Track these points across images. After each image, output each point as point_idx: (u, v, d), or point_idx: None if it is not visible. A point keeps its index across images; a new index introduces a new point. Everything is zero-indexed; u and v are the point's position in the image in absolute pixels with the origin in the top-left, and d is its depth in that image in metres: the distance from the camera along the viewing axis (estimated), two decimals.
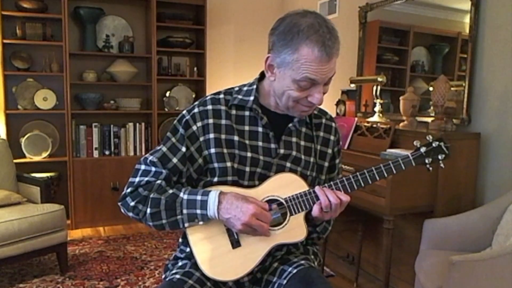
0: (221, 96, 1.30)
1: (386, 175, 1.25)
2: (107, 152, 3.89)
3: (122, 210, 1.26)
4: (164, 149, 1.26)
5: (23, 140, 3.59)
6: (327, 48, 1.13)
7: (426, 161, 1.28)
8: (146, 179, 1.23)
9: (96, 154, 3.84)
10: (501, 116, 2.35)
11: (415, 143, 1.28)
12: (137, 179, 1.24)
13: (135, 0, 4.00)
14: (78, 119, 3.81)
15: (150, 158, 1.25)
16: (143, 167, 1.26)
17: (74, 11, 3.76)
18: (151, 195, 1.21)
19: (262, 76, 1.32)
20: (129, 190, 1.24)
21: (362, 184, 1.25)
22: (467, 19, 2.50)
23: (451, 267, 1.66)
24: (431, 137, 1.29)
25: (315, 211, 1.21)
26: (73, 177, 3.70)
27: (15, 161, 3.15)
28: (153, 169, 1.24)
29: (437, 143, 1.28)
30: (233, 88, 1.33)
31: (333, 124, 1.40)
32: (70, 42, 3.68)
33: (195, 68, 4.21)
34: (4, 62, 3.53)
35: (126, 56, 3.94)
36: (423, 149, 1.27)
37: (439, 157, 1.28)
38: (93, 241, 3.46)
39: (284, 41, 1.15)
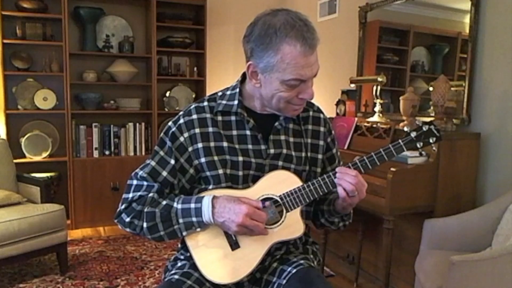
0: (205, 103, 1.29)
1: (378, 163, 1.24)
2: (107, 152, 3.89)
3: (120, 227, 1.27)
4: (153, 163, 1.26)
5: (23, 140, 3.59)
6: (308, 40, 1.13)
7: (418, 145, 1.26)
8: (138, 193, 1.23)
9: (96, 154, 3.84)
10: (501, 116, 2.35)
11: (405, 128, 1.28)
12: (130, 195, 1.24)
13: (135, 0, 4.00)
14: (78, 119, 3.81)
15: (140, 173, 1.25)
16: (135, 182, 1.26)
17: (74, 11, 3.76)
18: (145, 209, 1.21)
19: (243, 78, 1.31)
20: (123, 206, 1.24)
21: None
22: (467, 19, 2.50)
23: (451, 267, 1.66)
24: (421, 122, 1.28)
25: (341, 193, 1.19)
26: (73, 177, 3.70)
27: (15, 161, 3.16)
28: (145, 183, 1.24)
29: (427, 126, 1.27)
30: (216, 93, 1.33)
31: (321, 115, 1.39)
32: (70, 42, 3.68)
33: (195, 68, 4.21)
34: (4, 62, 3.53)
35: (126, 56, 3.94)
36: (413, 134, 1.26)
37: (430, 140, 1.27)
38: (93, 241, 3.46)
39: (263, 45, 1.14)
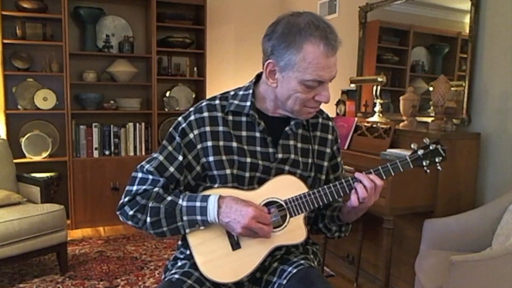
0: (217, 102, 1.28)
1: (384, 177, 1.25)
2: (107, 152, 3.89)
3: (121, 219, 1.25)
4: (161, 158, 1.24)
5: (23, 140, 3.59)
6: (331, 41, 1.13)
7: (424, 163, 1.28)
8: (143, 187, 1.22)
9: (96, 154, 3.84)
10: (501, 116, 2.35)
11: (412, 145, 1.29)
12: (134, 188, 1.23)
13: (135, 0, 4.00)
14: (78, 119, 3.81)
15: (147, 166, 1.24)
16: (140, 175, 1.25)
17: (74, 11, 3.76)
18: (150, 204, 1.20)
19: (257, 79, 1.31)
20: (127, 199, 1.23)
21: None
22: (467, 19, 2.50)
23: (451, 267, 1.66)
24: (428, 140, 1.29)
25: (353, 200, 1.20)
26: (73, 177, 3.70)
27: (15, 161, 3.15)
28: (150, 177, 1.23)
29: (434, 146, 1.28)
30: (228, 92, 1.32)
31: (330, 123, 1.39)
32: (70, 42, 3.67)
33: (195, 68, 4.21)
34: (4, 62, 3.53)
35: (126, 56, 3.94)
36: (420, 152, 1.27)
37: (436, 159, 1.28)
38: (93, 241, 3.46)
39: (286, 42, 1.14)
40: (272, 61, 1.18)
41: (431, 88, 2.50)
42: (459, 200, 2.38)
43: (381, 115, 2.88)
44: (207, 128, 1.25)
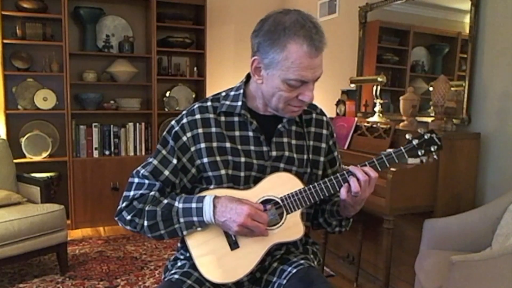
0: (209, 103, 1.29)
1: (380, 169, 1.24)
2: (107, 152, 3.89)
3: (120, 224, 1.27)
4: (155, 162, 1.25)
5: (23, 140, 3.59)
6: (316, 41, 1.12)
7: (419, 153, 1.27)
8: (140, 192, 1.23)
9: (96, 154, 3.84)
10: (501, 116, 2.35)
11: (407, 136, 1.28)
12: (131, 193, 1.24)
13: (135, 0, 4.00)
14: (78, 119, 3.81)
15: (142, 171, 1.25)
16: (136, 180, 1.26)
17: (74, 11, 3.76)
18: (147, 208, 1.21)
19: (247, 78, 1.31)
20: (124, 204, 1.24)
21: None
22: (467, 19, 2.50)
23: (451, 267, 1.66)
24: (422, 130, 1.29)
25: (343, 194, 1.20)
26: (73, 177, 3.70)
27: (15, 161, 3.15)
28: (146, 181, 1.24)
29: (428, 135, 1.27)
30: (220, 93, 1.32)
31: (324, 118, 1.39)
32: (70, 42, 3.68)
33: (195, 68, 4.21)
34: (4, 62, 3.53)
35: (126, 56, 3.94)
36: (415, 142, 1.27)
37: (432, 148, 1.27)
38: (93, 241, 3.46)
39: (271, 40, 1.14)
40: (258, 58, 1.18)
41: (431, 88, 2.50)
42: (459, 200, 2.38)
43: (381, 115, 2.88)
44: (200, 130, 1.25)
